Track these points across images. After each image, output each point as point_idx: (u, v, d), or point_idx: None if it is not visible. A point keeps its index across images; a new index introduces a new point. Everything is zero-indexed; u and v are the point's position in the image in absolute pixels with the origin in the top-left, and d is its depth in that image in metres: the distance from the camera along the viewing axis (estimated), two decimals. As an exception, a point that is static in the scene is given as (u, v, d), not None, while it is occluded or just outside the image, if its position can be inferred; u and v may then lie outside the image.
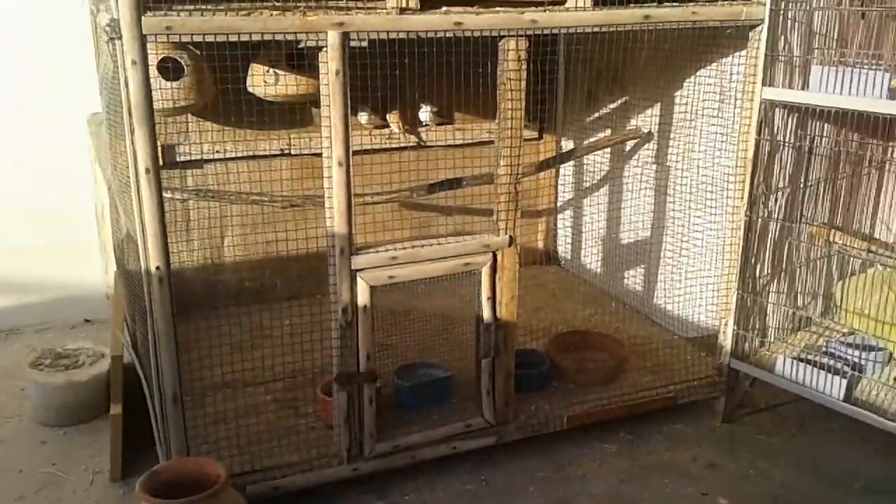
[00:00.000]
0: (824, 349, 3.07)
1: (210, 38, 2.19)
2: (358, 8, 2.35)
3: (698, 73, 3.31)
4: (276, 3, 2.28)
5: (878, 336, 2.96)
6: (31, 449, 2.99)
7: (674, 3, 2.73)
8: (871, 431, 2.76)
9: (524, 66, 2.53)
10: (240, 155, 3.58)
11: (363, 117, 3.64)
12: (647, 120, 3.66)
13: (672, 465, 2.92)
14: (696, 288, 3.35)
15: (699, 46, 3.19)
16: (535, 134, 4.14)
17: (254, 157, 3.60)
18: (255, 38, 2.23)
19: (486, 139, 3.82)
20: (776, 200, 3.04)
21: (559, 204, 4.33)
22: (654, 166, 3.64)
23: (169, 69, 2.95)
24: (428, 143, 3.84)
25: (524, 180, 2.77)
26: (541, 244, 4.39)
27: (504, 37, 2.49)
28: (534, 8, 2.51)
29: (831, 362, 2.89)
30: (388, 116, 3.71)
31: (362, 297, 2.50)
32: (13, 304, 3.90)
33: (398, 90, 3.59)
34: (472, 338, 2.80)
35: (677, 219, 3.50)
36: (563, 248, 4.38)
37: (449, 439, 2.79)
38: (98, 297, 3.93)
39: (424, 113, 3.78)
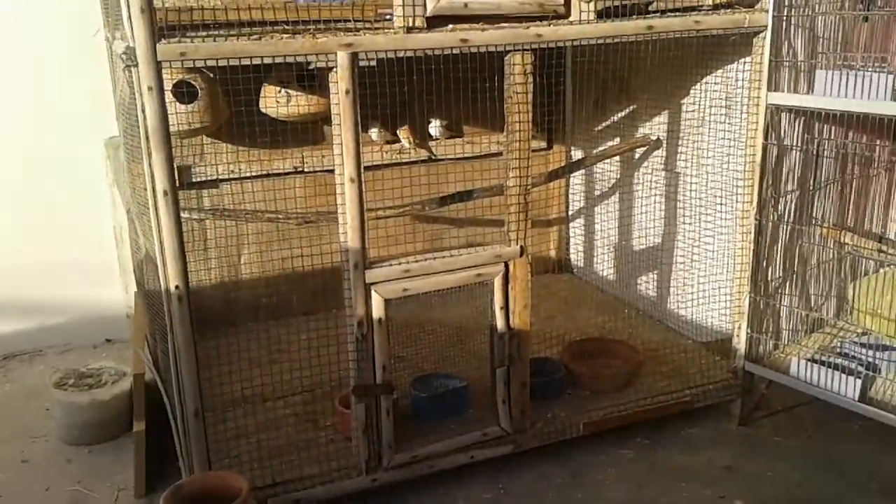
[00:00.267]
0: (838, 350, 3.07)
1: (223, 62, 2.24)
2: (366, 28, 2.39)
3: (705, 80, 3.34)
4: (286, 27, 2.33)
5: (892, 336, 2.97)
6: (57, 468, 3.03)
7: (676, 13, 2.76)
8: (888, 431, 2.76)
9: (530, 80, 2.57)
10: (254, 174, 3.63)
11: (374, 133, 3.68)
12: (655, 127, 3.68)
13: (689, 469, 2.93)
14: (709, 292, 3.38)
15: (704, 53, 3.22)
16: (544, 144, 4.17)
17: (268, 176, 3.64)
18: (267, 60, 2.27)
19: (495, 151, 3.86)
20: (786, 203, 3.05)
21: (571, 213, 4.35)
22: (663, 173, 3.66)
23: (184, 93, 3.01)
24: (438, 157, 3.87)
25: (535, 190, 2.79)
26: (553, 253, 4.41)
27: (510, 51, 2.53)
28: (538, 22, 2.55)
29: (846, 363, 2.89)
30: (398, 132, 3.75)
31: (377, 310, 2.54)
32: (36, 325, 3.96)
33: (408, 106, 3.64)
34: (487, 347, 2.83)
35: (688, 224, 3.52)
36: (576, 257, 4.41)
37: (466, 449, 2.81)
38: (118, 317, 3.99)
39: (434, 127, 3.82)
